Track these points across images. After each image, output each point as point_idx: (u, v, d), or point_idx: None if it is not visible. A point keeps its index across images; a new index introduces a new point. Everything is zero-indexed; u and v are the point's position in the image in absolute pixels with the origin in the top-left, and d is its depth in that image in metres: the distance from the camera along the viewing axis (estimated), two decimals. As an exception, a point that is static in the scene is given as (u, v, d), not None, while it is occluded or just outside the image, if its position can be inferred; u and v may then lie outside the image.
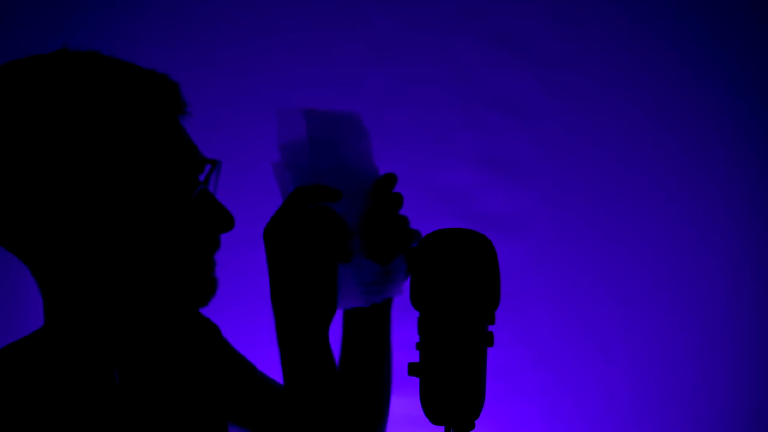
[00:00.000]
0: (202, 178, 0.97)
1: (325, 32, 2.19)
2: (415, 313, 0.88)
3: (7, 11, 2.09)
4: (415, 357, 0.87)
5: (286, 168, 1.00)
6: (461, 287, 0.84)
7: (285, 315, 0.94)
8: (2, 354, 0.94)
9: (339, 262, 0.98)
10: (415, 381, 0.86)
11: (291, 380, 0.94)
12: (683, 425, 2.24)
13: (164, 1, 2.16)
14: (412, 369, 0.86)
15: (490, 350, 0.86)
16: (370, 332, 1.14)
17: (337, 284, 0.96)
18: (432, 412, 0.85)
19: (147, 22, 2.12)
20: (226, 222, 0.97)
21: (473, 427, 0.85)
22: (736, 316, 2.23)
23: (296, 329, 0.94)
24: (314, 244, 0.94)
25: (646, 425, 2.24)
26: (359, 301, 1.05)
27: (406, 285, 1.01)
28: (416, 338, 0.87)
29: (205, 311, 1.06)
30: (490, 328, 0.86)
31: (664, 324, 2.24)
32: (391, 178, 1.06)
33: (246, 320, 1.78)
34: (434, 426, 0.86)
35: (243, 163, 1.77)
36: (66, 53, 0.93)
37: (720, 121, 2.23)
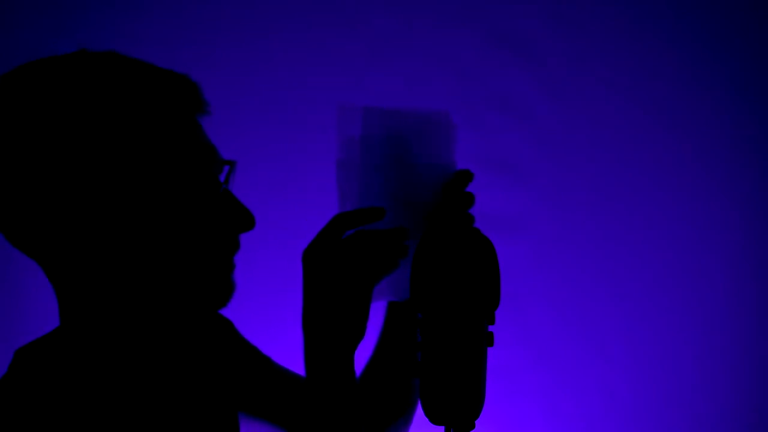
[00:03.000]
0: (221, 178, 0.97)
1: (325, 32, 2.19)
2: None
3: (7, 11, 2.09)
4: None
5: (343, 166, 1.01)
6: (461, 287, 0.84)
7: (314, 338, 0.96)
8: (20, 354, 0.94)
9: (387, 270, 0.98)
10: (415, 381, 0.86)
11: (313, 398, 0.96)
12: (683, 425, 2.24)
13: (164, 1, 2.15)
14: (413, 369, 0.86)
15: (490, 350, 0.86)
16: (407, 329, 1.15)
17: (368, 311, 0.97)
18: (432, 412, 0.85)
19: (147, 22, 2.12)
20: (248, 221, 0.97)
21: (473, 427, 0.85)
22: (736, 316, 2.23)
23: (324, 352, 0.96)
24: (349, 273, 0.94)
25: (646, 425, 2.24)
26: (393, 295, 1.05)
27: None
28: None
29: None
30: (490, 328, 0.86)
31: (664, 324, 2.24)
32: (464, 176, 1.06)
33: (256, 315, 1.77)
34: (434, 426, 0.86)
35: (243, 164, 1.76)
36: (85, 54, 0.92)
37: (720, 121, 2.23)
